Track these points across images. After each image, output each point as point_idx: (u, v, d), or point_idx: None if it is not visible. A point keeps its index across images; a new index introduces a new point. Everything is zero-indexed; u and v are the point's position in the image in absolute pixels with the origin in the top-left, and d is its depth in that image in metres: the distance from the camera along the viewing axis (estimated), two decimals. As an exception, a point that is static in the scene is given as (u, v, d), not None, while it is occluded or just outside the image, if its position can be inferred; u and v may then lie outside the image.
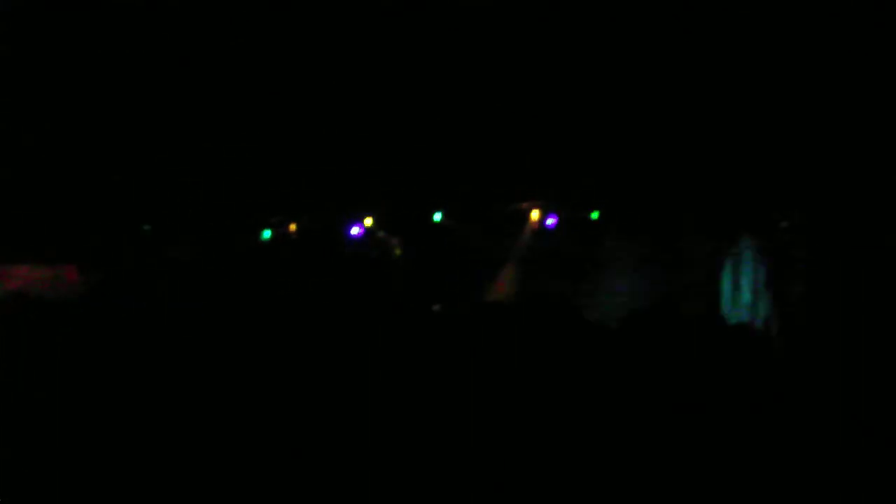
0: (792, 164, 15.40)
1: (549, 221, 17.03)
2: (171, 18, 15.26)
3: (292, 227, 17.07)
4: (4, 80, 15.45)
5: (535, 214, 17.03)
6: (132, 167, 16.34)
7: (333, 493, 7.57)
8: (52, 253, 16.55)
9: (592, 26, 15.67)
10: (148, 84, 15.55)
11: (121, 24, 15.44)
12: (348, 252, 16.94)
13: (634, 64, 15.71)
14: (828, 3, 14.64)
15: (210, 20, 15.41)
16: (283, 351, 11.22)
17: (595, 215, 16.91)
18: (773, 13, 14.64)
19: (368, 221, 16.94)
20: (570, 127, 16.50)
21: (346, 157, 16.63)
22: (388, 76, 16.46)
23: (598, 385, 8.92)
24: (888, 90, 14.46)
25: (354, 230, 16.93)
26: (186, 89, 16.02)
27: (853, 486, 7.30)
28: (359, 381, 9.38)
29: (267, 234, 17.08)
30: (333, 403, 8.78)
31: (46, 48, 15.59)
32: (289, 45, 15.92)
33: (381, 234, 17.28)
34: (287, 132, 16.55)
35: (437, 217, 17.02)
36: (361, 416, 8.44)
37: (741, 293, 16.13)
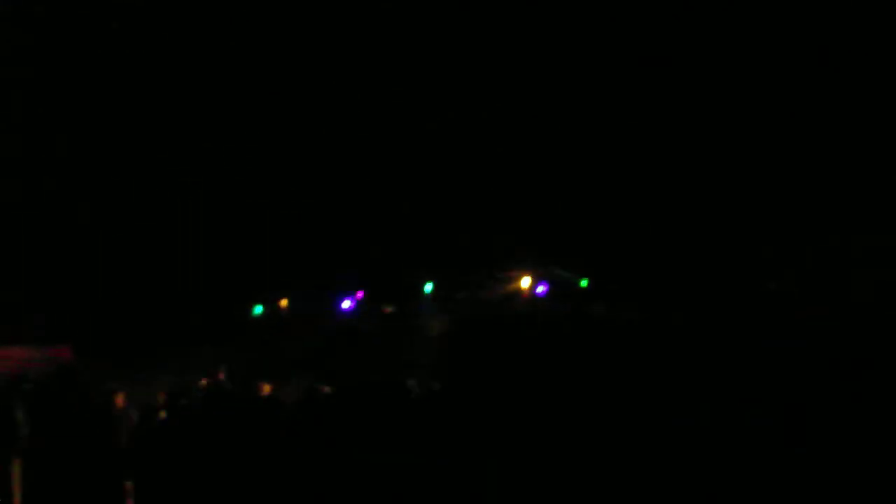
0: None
1: (540, 289, 17.05)
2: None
3: (283, 302, 17.14)
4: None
5: (525, 282, 17.05)
6: (121, 248, 16.54)
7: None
8: (45, 334, 16.71)
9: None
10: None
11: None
12: (338, 325, 16.99)
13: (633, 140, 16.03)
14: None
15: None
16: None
17: (584, 283, 16.92)
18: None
19: (360, 294, 17.01)
20: (558, 196, 16.66)
21: (338, 229, 16.79)
22: (380, 148, 16.69)
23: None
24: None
25: (346, 304, 16.98)
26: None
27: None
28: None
29: (258, 309, 17.17)
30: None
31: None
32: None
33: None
34: (278, 206, 16.74)
35: (428, 288, 17.06)
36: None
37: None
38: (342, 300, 16.87)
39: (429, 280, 17.14)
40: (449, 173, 16.91)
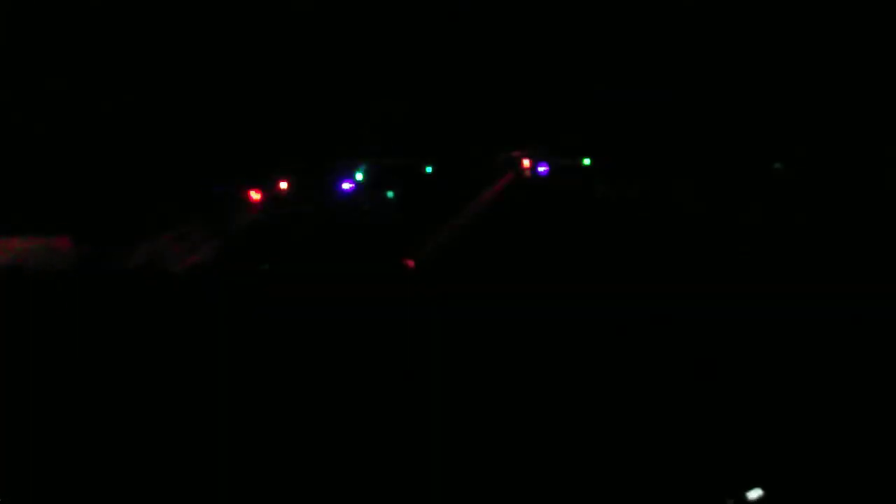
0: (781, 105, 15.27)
1: (541, 169, 16.85)
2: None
3: (283, 184, 16.94)
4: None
5: (526, 162, 16.83)
6: (122, 134, 16.27)
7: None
8: (44, 224, 16.56)
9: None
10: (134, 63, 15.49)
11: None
12: (338, 205, 16.85)
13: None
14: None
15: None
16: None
17: (587, 161, 16.72)
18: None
19: (359, 176, 16.79)
20: (560, 73, 16.35)
21: (335, 107, 16.53)
22: (378, 26, 16.31)
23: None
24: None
25: (345, 185, 16.80)
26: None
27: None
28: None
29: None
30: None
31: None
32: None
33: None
34: (269, 84, 16.44)
35: (429, 169, 16.86)
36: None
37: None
38: (342, 182, 16.68)
39: (429, 163, 16.92)
40: (445, 53, 16.55)
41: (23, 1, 15.57)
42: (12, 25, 15.64)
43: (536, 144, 16.83)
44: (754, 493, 7.04)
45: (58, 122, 16.02)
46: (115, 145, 16.20)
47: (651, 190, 16.32)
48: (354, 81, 16.66)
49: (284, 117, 16.51)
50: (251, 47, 16.30)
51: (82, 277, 15.08)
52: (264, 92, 16.54)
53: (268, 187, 16.82)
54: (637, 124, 16.10)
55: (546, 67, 16.19)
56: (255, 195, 16.71)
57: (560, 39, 16.20)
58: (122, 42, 15.92)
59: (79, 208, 16.35)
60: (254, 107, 16.47)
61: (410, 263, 15.67)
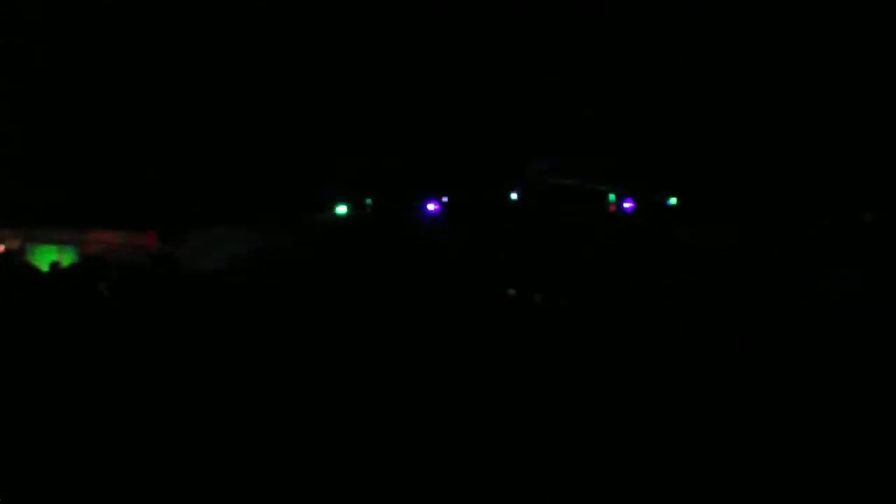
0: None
1: (627, 205, 16.81)
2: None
3: (367, 203, 17.12)
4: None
5: (612, 197, 16.82)
6: (213, 142, 16.56)
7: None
8: (132, 219, 16.89)
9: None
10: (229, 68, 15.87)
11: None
12: (422, 229, 16.93)
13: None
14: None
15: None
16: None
17: (673, 201, 16.64)
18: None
19: (445, 198, 16.91)
20: (654, 111, 16.38)
21: (428, 134, 16.68)
22: (478, 51, 16.50)
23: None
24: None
25: (431, 206, 16.92)
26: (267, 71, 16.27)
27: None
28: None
29: (342, 210, 17.18)
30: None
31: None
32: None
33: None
34: (364, 107, 16.65)
35: (514, 196, 16.92)
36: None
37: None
38: (427, 202, 16.78)
39: (514, 189, 16.98)
40: (538, 87, 16.67)
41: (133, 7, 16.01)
42: (122, 31, 16.05)
43: (623, 180, 16.83)
44: None
45: (163, 126, 16.35)
46: (217, 153, 16.47)
47: (738, 235, 16.15)
48: (446, 111, 16.82)
49: (379, 138, 16.68)
50: (363, 79, 16.51)
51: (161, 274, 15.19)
52: (362, 114, 16.73)
53: (356, 202, 17.06)
54: (730, 167, 16.02)
55: (641, 104, 16.21)
56: (341, 209, 16.95)
57: (656, 80, 16.24)
58: (241, 59, 16.22)
59: (167, 207, 16.66)
60: (348, 125, 16.67)
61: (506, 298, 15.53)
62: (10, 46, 15.59)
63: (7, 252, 15.95)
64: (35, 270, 14.83)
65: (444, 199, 16.92)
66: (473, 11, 15.58)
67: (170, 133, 16.27)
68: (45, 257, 15.95)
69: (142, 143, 16.36)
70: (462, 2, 15.58)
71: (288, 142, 16.48)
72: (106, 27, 15.72)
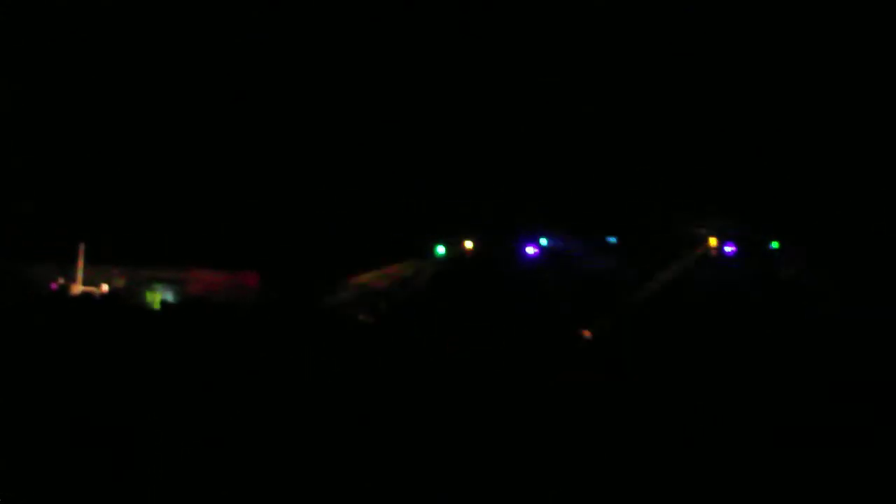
0: None
1: (728, 249, 16.61)
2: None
3: (468, 245, 17.08)
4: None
5: (713, 241, 16.63)
6: (314, 182, 16.66)
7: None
8: (233, 259, 16.96)
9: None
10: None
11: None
12: (522, 271, 16.86)
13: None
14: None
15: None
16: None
17: (776, 245, 16.44)
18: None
19: (544, 241, 16.85)
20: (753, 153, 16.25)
21: (526, 177, 16.65)
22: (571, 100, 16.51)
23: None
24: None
25: (530, 250, 16.86)
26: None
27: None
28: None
29: (441, 251, 17.16)
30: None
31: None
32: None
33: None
34: (464, 149, 16.67)
35: (612, 240, 16.81)
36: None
37: None
38: (526, 245, 16.74)
39: (612, 234, 16.87)
40: (640, 132, 16.61)
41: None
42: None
43: (724, 222, 16.65)
44: None
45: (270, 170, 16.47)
46: (318, 193, 16.55)
47: (839, 278, 15.91)
48: (543, 154, 16.81)
49: (479, 180, 16.68)
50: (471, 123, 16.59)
51: (266, 313, 15.24)
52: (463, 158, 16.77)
53: (456, 244, 17.07)
54: (832, 209, 15.84)
55: (745, 143, 16.09)
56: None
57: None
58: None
59: (269, 247, 16.71)
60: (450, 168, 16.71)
61: (587, 334, 15.49)
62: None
63: (113, 291, 16.09)
64: (146, 310, 15.00)
65: (543, 243, 16.83)
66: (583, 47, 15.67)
67: (277, 177, 16.40)
68: (149, 296, 16.08)
69: (247, 184, 16.49)
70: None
71: (395, 185, 16.55)
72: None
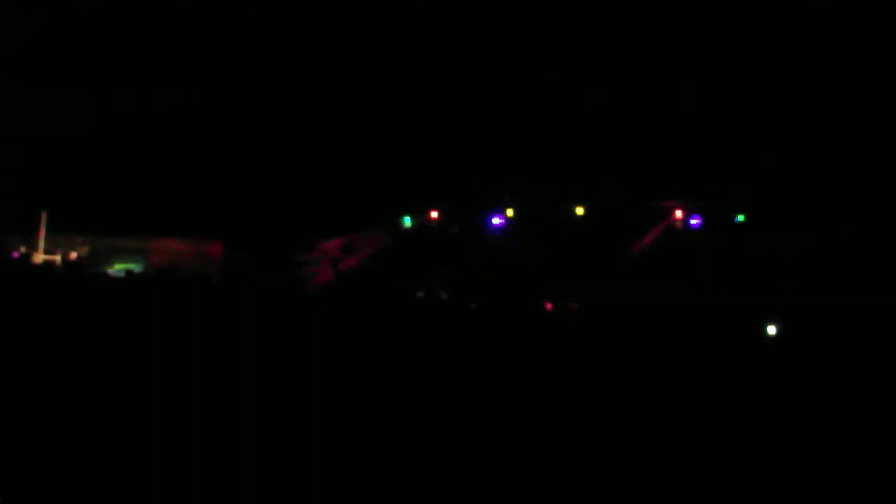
0: None
1: (693, 222, 16.64)
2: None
3: (433, 214, 17.02)
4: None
5: (678, 213, 16.65)
6: (281, 150, 16.53)
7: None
8: (197, 229, 16.82)
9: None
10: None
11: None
12: (487, 241, 16.83)
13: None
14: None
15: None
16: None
17: (741, 218, 16.46)
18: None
19: (510, 212, 16.81)
20: (722, 125, 16.27)
21: (495, 146, 16.59)
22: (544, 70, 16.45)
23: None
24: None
25: (496, 220, 16.83)
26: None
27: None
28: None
29: (407, 220, 17.09)
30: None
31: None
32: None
33: None
34: (434, 118, 16.59)
35: (580, 211, 16.79)
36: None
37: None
38: (492, 216, 16.69)
39: (580, 203, 16.85)
40: (607, 101, 16.59)
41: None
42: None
43: (690, 195, 16.68)
44: None
45: (233, 136, 16.33)
46: (287, 161, 16.43)
47: (806, 250, 15.97)
48: (512, 122, 16.77)
49: (444, 150, 16.61)
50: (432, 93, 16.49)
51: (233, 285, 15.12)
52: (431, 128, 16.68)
53: (418, 214, 16.98)
54: (800, 181, 15.88)
55: (710, 117, 16.09)
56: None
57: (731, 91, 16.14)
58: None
59: (234, 216, 16.58)
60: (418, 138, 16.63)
61: (574, 306, 15.40)
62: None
63: (77, 260, 15.93)
64: (110, 279, 14.86)
65: (510, 213, 16.81)
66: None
67: (240, 142, 16.25)
68: (112, 266, 15.95)
69: (211, 151, 16.34)
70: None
71: (360, 153, 16.44)
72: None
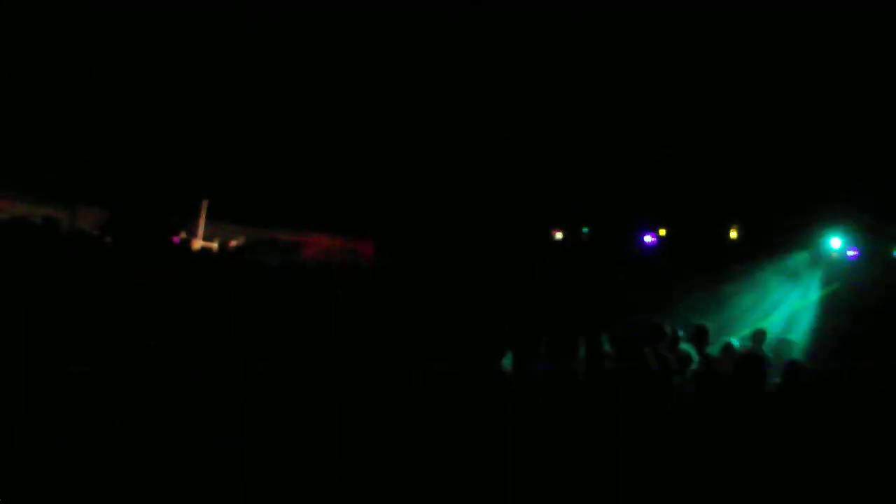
0: None
1: (850, 253, 16.19)
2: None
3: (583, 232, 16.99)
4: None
5: (836, 243, 16.20)
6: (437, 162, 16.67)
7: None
8: (349, 226, 17.09)
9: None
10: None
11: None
12: (637, 259, 16.68)
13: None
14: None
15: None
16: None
17: (903, 250, 15.96)
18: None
19: (662, 231, 16.65)
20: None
21: (643, 168, 16.48)
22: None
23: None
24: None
25: (647, 238, 16.68)
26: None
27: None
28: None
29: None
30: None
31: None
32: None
33: None
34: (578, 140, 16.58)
35: (734, 234, 16.53)
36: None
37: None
38: (644, 234, 16.56)
39: (735, 226, 16.60)
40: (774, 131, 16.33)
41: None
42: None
43: (850, 223, 16.24)
44: None
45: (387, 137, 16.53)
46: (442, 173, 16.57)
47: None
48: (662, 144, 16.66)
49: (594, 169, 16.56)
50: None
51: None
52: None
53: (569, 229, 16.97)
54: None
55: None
56: (557, 235, 16.88)
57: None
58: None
59: (387, 217, 16.78)
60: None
61: None
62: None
63: (235, 249, 16.30)
64: (265, 268, 15.09)
65: (662, 231, 16.64)
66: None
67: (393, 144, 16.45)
68: (267, 257, 16.24)
69: (364, 150, 16.57)
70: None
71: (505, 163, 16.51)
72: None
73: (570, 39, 16.02)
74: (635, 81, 16.41)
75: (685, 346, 9.97)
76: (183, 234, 16.01)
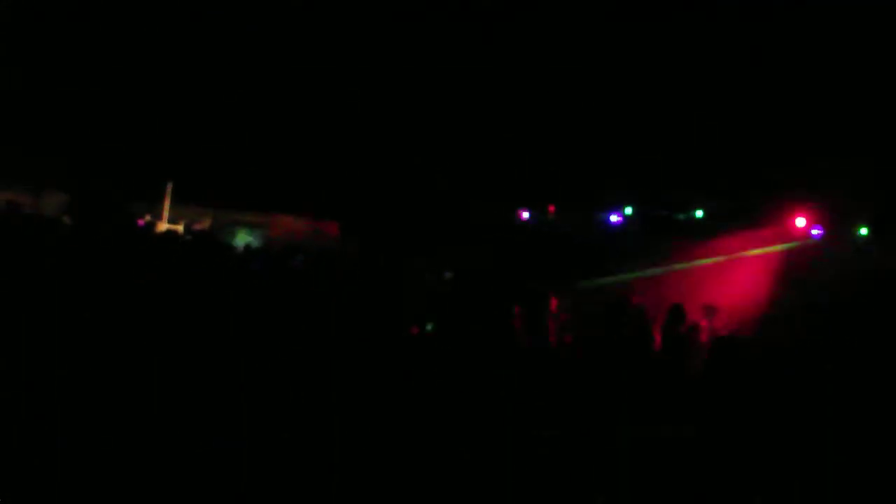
0: None
1: (815, 232, 16.32)
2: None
3: (550, 209, 17.03)
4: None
5: (800, 221, 16.32)
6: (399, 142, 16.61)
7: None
8: (315, 207, 17.02)
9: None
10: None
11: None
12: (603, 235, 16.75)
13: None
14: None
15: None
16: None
17: (867, 230, 16.11)
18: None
19: (629, 210, 16.71)
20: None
21: (612, 146, 16.51)
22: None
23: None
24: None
25: (614, 218, 16.74)
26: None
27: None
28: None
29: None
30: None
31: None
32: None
33: None
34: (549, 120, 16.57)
35: (699, 214, 16.61)
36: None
37: None
38: (610, 213, 16.61)
39: (699, 206, 16.67)
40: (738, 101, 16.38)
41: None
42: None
43: (814, 204, 16.35)
44: None
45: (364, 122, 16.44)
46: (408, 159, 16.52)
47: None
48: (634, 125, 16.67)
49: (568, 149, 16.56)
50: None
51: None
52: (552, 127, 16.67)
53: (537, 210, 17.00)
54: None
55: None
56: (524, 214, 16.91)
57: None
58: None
59: (351, 199, 16.72)
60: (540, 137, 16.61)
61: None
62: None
63: (200, 231, 16.17)
64: (230, 250, 15.00)
65: (628, 211, 16.71)
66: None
67: (370, 130, 16.38)
68: (234, 238, 16.17)
69: (336, 133, 16.49)
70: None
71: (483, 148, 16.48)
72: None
73: (534, 20, 16.00)
74: (603, 64, 16.42)
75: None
76: (147, 217, 15.90)
